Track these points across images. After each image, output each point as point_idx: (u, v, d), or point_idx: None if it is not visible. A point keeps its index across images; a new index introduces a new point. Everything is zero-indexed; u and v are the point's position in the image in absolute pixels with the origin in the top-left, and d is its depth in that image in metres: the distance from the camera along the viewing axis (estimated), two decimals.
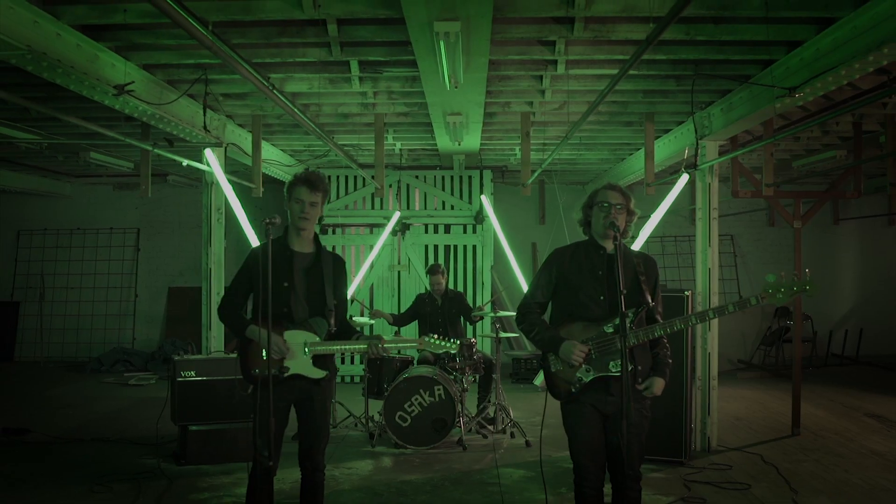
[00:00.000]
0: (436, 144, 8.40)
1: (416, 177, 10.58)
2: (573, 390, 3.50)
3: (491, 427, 6.90)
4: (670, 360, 3.60)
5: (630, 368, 3.36)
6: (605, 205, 3.49)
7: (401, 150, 9.15)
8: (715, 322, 6.52)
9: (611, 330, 3.45)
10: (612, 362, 3.43)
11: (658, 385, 3.50)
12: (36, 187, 11.33)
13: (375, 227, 10.46)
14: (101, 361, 11.10)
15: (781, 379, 9.90)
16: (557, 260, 3.65)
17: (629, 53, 4.90)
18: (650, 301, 3.51)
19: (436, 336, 3.96)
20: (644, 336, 3.44)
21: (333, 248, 10.02)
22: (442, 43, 4.18)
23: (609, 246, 3.52)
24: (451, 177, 10.58)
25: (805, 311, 11.35)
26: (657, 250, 11.62)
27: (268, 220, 3.46)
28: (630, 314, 3.43)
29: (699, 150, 6.34)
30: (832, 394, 8.94)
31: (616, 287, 3.31)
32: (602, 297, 3.51)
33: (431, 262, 10.29)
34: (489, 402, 7.09)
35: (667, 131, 7.78)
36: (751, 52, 4.96)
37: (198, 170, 6.86)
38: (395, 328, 8.41)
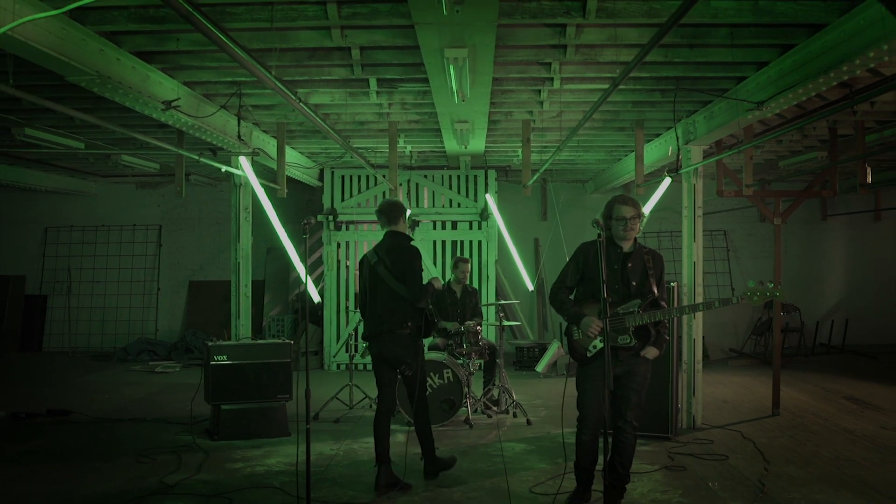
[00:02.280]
0: (444, 147, 8.86)
1: (425, 176, 10.98)
2: (588, 354, 4.42)
3: (495, 408, 7.41)
4: (667, 338, 4.53)
5: (635, 343, 4.36)
6: (623, 220, 4.37)
7: (411, 151, 9.61)
8: (700, 313, 7.08)
9: (621, 311, 4.35)
10: (620, 336, 4.34)
11: (651, 352, 4.43)
12: (64, 186, 11.82)
13: None
14: (126, 351, 11.65)
15: (770, 366, 10.24)
16: (584, 253, 4.52)
17: (616, 72, 5.48)
18: (655, 292, 4.41)
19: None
20: (649, 319, 4.34)
21: (347, 243, 10.56)
22: (451, 66, 4.77)
23: (625, 246, 4.46)
24: (458, 176, 10.97)
25: (794, 302, 11.91)
26: (653, 245, 12.04)
27: (306, 221, 4.16)
28: (638, 302, 4.35)
29: (681, 154, 6.88)
30: (816, 380, 9.39)
31: (627, 280, 4.38)
32: (617, 286, 4.41)
33: (439, 256, 10.83)
34: (494, 384, 7.55)
35: (657, 135, 8.32)
36: (724, 71, 5.55)
37: (219, 170, 7.47)
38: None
